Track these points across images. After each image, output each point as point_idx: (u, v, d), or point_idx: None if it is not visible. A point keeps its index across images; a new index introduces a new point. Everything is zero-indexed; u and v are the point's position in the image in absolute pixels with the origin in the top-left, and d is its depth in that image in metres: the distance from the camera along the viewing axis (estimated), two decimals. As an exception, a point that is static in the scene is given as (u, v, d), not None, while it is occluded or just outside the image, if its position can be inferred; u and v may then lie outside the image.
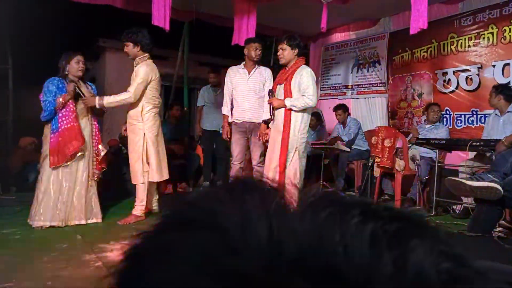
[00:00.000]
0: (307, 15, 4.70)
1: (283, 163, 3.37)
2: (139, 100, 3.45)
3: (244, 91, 3.94)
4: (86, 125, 3.40)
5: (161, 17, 3.95)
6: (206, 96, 5.40)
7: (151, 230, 0.26)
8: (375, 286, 0.21)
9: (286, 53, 3.41)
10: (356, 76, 6.28)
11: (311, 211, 0.24)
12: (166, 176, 3.63)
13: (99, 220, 3.42)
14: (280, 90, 3.54)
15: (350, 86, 6.38)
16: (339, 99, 6.34)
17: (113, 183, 3.90)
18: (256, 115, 3.94)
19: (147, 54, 3.52)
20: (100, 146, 3.48)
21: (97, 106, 3.37)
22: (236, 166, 4.02)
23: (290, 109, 3.39)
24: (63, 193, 3.25)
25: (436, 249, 0.23)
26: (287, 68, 3.49)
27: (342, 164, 5.28)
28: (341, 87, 6.53)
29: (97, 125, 3.51)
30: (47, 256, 2.50)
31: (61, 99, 3.20)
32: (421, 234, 0.24)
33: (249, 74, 3.98)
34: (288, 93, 3.43)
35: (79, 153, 3.30)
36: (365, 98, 6.14)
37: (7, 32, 5.28)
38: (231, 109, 4.08)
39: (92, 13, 5.80)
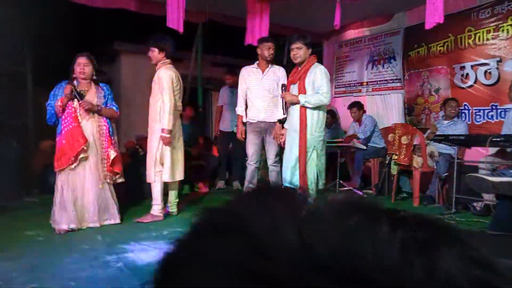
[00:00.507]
0: (320, 13, 4.67)
1: (304, 163, 3.35)
2: (157, 101, 3.50)
3: (258, 90, 3.95)
4: (92, 126, 3.32)
5: (175, 19, 3.99)
6: (225, 96, 5.45)
7: (186, 237, 0.27)
8: None
9: (302, 52, 3.42)
10: (371, 73, 6.21)
11: (340, 218, 0.25)
12: (178, 177, 3.66)
13: (117, 221, 3.42)
14: (293, 90, 3.53)
15: (365, 83, 6.32)
16: (354, 96, 6.28)
17: (131, 185, 3.94)
18: (270, 114, 3.94)
19: (169, 60, 3.65)
20: (110, 148, 3.39)
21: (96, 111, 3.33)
22: (251, 166, 4.01)
23: (305, 107, 3.38)
24: (76, 196, 3.24)
25: (466, 255, 0.23)
26: (299, 67, 3.49)
27: (359, 162, 5.24)
28: (355, 84, 6.47)
29: (107, 126, 3.42)
30: (69, 257, 2.56)
31: (58, 102, 3.22)
32: (450, 241, 0.24)
33: (262, 74, 3.99)
34: (302, 92, 3.44)
35: (82, 155, 3.23)
36: (381, 94, 6.06)
37: (26, 37, 5.40)
38: (245, 109, 4.09)
39: (108, 16, 5.89)
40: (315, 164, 3.39)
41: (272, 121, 3.93)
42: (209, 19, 5.58)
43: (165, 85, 3.45)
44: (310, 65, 3.43)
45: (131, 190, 4.10)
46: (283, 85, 3.65)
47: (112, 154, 3.39)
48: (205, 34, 6.08)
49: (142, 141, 5.52)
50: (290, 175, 3.43)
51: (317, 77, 3.37)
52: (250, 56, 4.63)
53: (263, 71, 3.98)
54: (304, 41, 3.42)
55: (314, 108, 3.39)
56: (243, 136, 4.08)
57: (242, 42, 4.69)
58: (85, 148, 3.24)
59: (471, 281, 0.22)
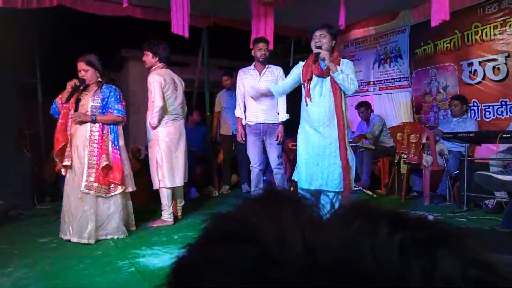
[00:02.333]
0: (325, 13, 4.67)
1: (345, 156, 2.92)
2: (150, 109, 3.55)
3: (256, 92, 3.81)
4: (82, 132, 3.13)
5: (180, 25, 4.02)
6: (222, 100, 5.47)
7: (198, 243, 0.28)
8: None
9: (326, 40, 2.93)
10: (378, 72, 6.18)
11: (342, 223, 0.25)
12: (179, 183, 3.63)
13: (120, 236, 3.18)
14: (323, 83, 2.99)
15: (372, 83, 6.29)
16: (361, 96, 6.26)
17: (143, 190, 3.98)
18: (269, 116, 3.90)
19: (162, 64, 3.61)
20: (103, 156, 3.11)
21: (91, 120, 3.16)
22: (255, 169, 3.96)
23: (340, 99, 2.93)
24: (69, 206, 3.14)
25: (464, 257, 0.23)
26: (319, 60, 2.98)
27: (368, 162, 5.22)
28: (362, 84, 6.44)
29: (100, 132, 3.15)
30: (82, 263, 2.59)
31: (59, 96, 3.22)
32: (449, 243, 0.24)
33: (260, 75, 3.96)
34: (334, 87, 2.95)
35: (66, 162, 3.14)
36: (388, 93, 6.03)
37: (35, 47, 5.49)
38: (244, 111, 4.08)
39: (115, 24, 5.96)
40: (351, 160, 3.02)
41: (272, 123, 3.89)
42: (214, 24, 5.62)
43: (152, 89, 3.49)
44: (340, 57, 3.05)
45: (142, 196, 4.13)
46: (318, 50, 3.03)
47: (104, 162, 3.09)
48: (211, 39, 6.11)
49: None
50: (321, 176, 2.95)
51: (347, 70, 2.94)
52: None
53: (260, 72, 3.96)
54: (329, 30, 2.97)
55: (343, 102, 2.97)
56: (244, 139, 4.07)
57: (248, 45, 4.71)
58: (64, 147, 3.14)
59: (469, 283, 0.22)
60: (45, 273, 2.44)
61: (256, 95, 3.56)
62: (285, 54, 7.27)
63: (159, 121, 3.54)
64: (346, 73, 2.89)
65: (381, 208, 0.28)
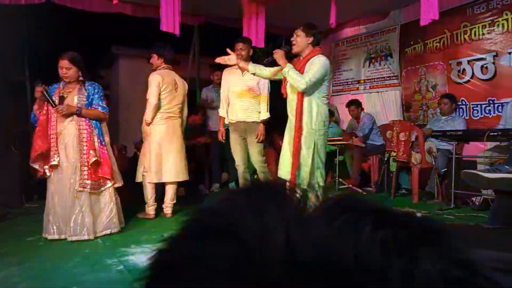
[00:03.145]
0: (316, 12, 4.69)
1: (296, 158, 3.13)
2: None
3: (238, 90, 3.91)
4: (70, 130, 3.11)
5: (170, 22, 4.01)
6: (209, 96, 5.42)
7: (178, 237, 0.27)
8: None
9: (299, 39, 3.12)
10: (368, 70, 6.23)
11: (326, 219, 0.25)
12: (166, 179, 3.75)
13: (112, 231, 3.20)
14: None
15: (362, 81, 6.33)
16: (351, 94, 6.30)
17: (132, 188, 3.95)
18: (249, 114, 3.90)
19: (166, 65, 3.79)
20: (91, 152, 3.09)
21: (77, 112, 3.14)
22: (240, 167, 3.99)
23: (301, 99, 3.10)
24: (54, 205, 3.10)
25: (446, 256, 0.23)
26: (301, 58, 3.20)
27: (358, 159, 5.25)
28: (353, 82, 6.49)
29: (89, 129, 3.14)
30: (70, 262, 2.58)
31: (35, 106, 3.19)
32: (432, 241, 0.24)
33: (242, 74, 3.91)
34: None
35: (53, 162, 3.09)
36: (378, 92, 6.08)
37: (24, 44, 5.43)
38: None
39: (105, 21, 5.91)
40: (319, 162, 3.16)
41: (251, 121, 3.89)
42: (205, 21, 5.60)
43: (149, 88, 3.67)
44: (312, 55, 3.11)
45: (131, 194, 4.11)
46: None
47: (92, 158, 3.08)
48: (202, 36, 6.10)
49: (140, 145, 5.54)
50: (285, 170, 3.21)
51: (312, 65, 3.07)
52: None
53: (242, 72, 3.89)
54: (304, 29, 3.11)
55: (310, 99, 3.12)
56: (224, 138, 4.13)
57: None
58: (44, 152, 3.11)
59: (449, 282, 0.22)
60: (33, 272, 2.42)
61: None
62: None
63: (153, 118, 3.68)
64: (306, 70, 3.06)
65: (367, 204, 0.27)
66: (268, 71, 3.36)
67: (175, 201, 3.84)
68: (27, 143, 5.34)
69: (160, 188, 3.87)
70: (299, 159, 3.12)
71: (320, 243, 0.23)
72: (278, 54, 3.13)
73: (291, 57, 3.33)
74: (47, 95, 3.08)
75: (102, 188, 3.20)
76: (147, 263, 0.27)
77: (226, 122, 4.09)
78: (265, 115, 3.89)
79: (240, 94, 3.90)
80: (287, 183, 0.30)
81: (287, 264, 0.22)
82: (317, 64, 3.05)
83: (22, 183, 4.71)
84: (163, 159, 3.70)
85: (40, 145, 3.12)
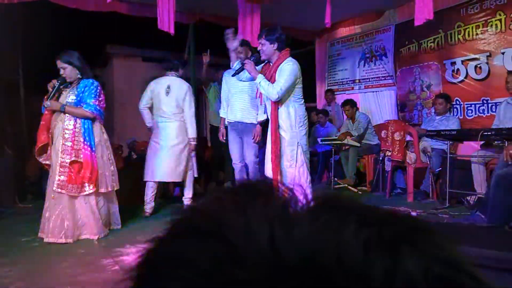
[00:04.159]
0: (311, 11, 4.70)
1: (274, 161, 3.20)
2: None
3: (237, 92, 4.00)
4: (58, 129, 3.08)
5: (165, 21, 3.99)
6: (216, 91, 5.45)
7: (161, 238, 0.27)
8: None
9: (265, 48, 3.17)
10: (363, 70, 6.25)
11: (310, 218, 0.25)
12: (159, 178, 3.89)
13: (92, 237, 3.07)
14: None
15: (357, 81, 6.36)
16: (347, 94, 6.32)
17: (127, 189, 3.93)
18: (247, 115, 3.98)
19: (168, 72, 4.06)
20: (72, 152, 3.01)
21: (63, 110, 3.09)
22: (237, 166, 4.07)
23: (275, 104, 3.20)
24: (48, 205, 3.06)
25: (429, 254, 0.23)
26: (271, 64, 3.26)
27: (353, 159, 5.27)
28: (348, 82, 6.50)
29: (74, 129, 3.06)
30: (65, 262, 2.56)
31: (45, 97, 3.16)
32: (416, 240, 0.24)
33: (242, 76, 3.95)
34: None
35: (48, 161, 3.09)
36: (373, 92, 6.10)
37: (18, 42, 5.39)
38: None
39: (99, 20, 5.88)
40: (303, 161, 3.22)
41: (249, 122, 3.97)
42: (200, 20, 5.59)
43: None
44: (281, 61, 3.15)
45: (129, 194, 4.09)
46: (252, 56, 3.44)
47: (72, 158, 2.99)
48: (197, 35, 6.08)
49: (134, 145, 5.53)
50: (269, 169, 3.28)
51: (282, 73, 3.13)
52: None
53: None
54: (266, 36, 3.15)
55: (286, 104, 3.19)
56: (224, 138, 4.19)
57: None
58: (44, 146, 3.09)
59: (432, 281, 0.22)
60: (27, 272, 2.40)
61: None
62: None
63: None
64: (276, 78, 3.14)
65: (351, 202, 0.27)
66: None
67: (153, 204, 3.89)
68: (21, 143, 5.31)
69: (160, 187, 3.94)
70: (282, 160, 3.20)
71: (303, 242, 0.23)
72: (248, 66, 3.25)
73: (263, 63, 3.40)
74: (53, 90, 3.08)
75: (85, 192, 3.06)
76: (133, 263, 0.27)
77: (226, 122, 4.16)
78: (262, 116, 3.95)
79: (240, 95, 3.99)
80: (274, 183, 0.30)
81: (270, 263, 0.22)
82: (286, 72, 3.10)
83: (16, 183, 4.68)
84: (157, 159, 3.84)
85: (43, 139, 3.12)
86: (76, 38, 5.99)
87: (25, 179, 5.04)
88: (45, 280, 2.28)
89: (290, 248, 0.23)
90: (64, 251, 2.81)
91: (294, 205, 0.27)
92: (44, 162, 3.18)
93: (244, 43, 4.08)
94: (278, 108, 3.21)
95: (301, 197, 0.28)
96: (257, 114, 3.97)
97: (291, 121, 3.19)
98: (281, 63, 3.15)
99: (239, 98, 3.99)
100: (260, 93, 3.38)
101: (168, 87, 3.91)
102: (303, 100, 3.30)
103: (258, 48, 3.27)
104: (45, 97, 3.16)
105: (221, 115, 4.24)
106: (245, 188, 0.29)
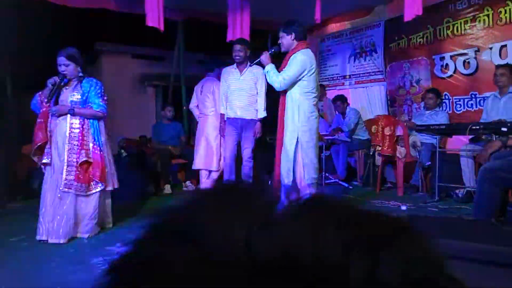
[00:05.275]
0: (301, 7, 4.69)
1: (278, 155, 3.24)
2: None
3: (236, 89, 4.08)
4: (61, 128, 3.01)
5: (155, 17, 3.96)
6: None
7: (139, 239, 0.27)
8: None
9: (284, 40, 3.26)
10: (354, 66, 6.27)
11: (290, 219, 0.24)
12: (197, 166, 4.54)
13: (86, 235, 3.04)
14: None
15: (348, 76, 6.38)
16: (337, 89, 6.34)
17: (117, 188, 3.90)
18: (247, 112, 4.07)
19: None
20: (82, 152, 2.98)
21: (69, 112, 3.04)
22: (228, 159, 4.12)
23: (284, 96, 3.22)
24: (46, 205, 2.99)
25: (409, 257, 0.23)
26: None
27: (344, 154, 5.29)
28: (339, 78, 6.52)
29: (81, 128, 3.03)
30: (54, 262, 2.54)
31: (39, 93, 3.10)
32: (396, 242, 0.23)
33: (240, 73, 4.10)
34: None
35: (45, 160, 3.03)
36: (364, 87, 6.13)
37: (5, 39, 5.30)
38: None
39: (88, 17, 5.81)
40: (301, 157, 3.17)
41: (249, 118, 4.06)
42: (190, 17, 5.55)
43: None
44: (293, 52, 3.19)
45: (116, 193, 4.06)
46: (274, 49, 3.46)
47: (82, 158, 2.98)
48: (187, 32, 6.04)
49: (125, 143, 5.48)
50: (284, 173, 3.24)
51: (290, 63, 3.16)
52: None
53: (241, 71, 4.10)
54: (284, 29, 3.24)
55: (293, 96, 3.18)
56: (224, 134, 4.25)
57: (224, 39, 4.69)
58: (42, 146, 3.03)
59: (411, 283, 0.21)
60: (17, 272, 2.38)
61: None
62: (263, 47, 7.26)
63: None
64: (275, 72, 3.22)
65: (333, 203, 0.27)
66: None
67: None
68: (9, 141, 5.24)
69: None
70: (283, 156, 3.21)
71: (281, 244, 0.22)
72: (263, 56, 3.33)
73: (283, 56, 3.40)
74: (54, 88, 2.99)
75: (92, 191, 3.06)
76: (108, 266, 0.26)
77: (225, 118, 4.23)
78: (262, 113, 4.05)
79: (239, 92, 4.07)
80: (258, 183, 0.29)
81: (245, 266, 0.22)
82: (293, 62, 3.13)
83: (5, 182, 4.61)
84: (198, 149, 4.54)
85: (41, 138, 3.05)
86: (65, 35, 5.91)
87: (14, 178, 4.97)
88: (34, 280, 2.26)
89: (267, 250, 0.22)
90: (54, 251, 2.78)
91: (275, 206, 0.26)
92: (40, 162, 3.10)
93: (243, 42, 4.17)
94: (286, 98, 3.22)
95: (285, 198, 0.28)
96: (257, 110, 4.06)
97: (294, 114, 3.15)
98: (293, 53, 3.17)
99: (238, 95, 4.06)
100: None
101: (212, 88, 4.52)
102: (313, 94, 3.21)
103: (279, 41, 3.33)
104: (40, 93, 3.10)
105: (221, 112, 4.30)
106: (224, 191, 0.29)
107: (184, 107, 5.86)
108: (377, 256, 0.22)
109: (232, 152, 4.13)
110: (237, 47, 4.09)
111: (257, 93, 4.09)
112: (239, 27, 4.57)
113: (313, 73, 3.17)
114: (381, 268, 0.21)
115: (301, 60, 3.11)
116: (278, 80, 3.15)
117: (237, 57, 4.07)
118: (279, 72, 3.23)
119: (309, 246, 0.22)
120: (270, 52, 3.38)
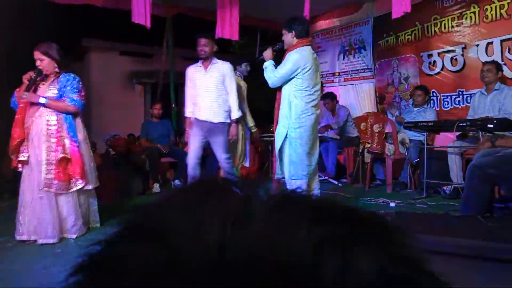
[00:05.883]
0: (290, 4, 4.68)
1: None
2: None
3: (202, 88, 3.70)
4: (38, 125, 2.94)
5: (141, 14, 3.91)
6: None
7: (107, 240, 0.26)
8: None
9: (285, 38, 3.24)
10: (343, 63, 6.29)
11: (264, 216, 0.24)
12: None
13: (73, 236, 2.99)
14: None
15: (337, 74, 6.40)
16: (327, 87, 6.35)
17: (104, 186, 3.86)
18: (213, 114, 3.68)
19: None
20: (59, 149, 2.91)
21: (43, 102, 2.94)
22: (191, 161, 3.75)
23: (280, 89, 3.24)
24: (24, 204, 2.93)
25: (385, 254, 0.22)
26: None
27: (333, 151, 5.31)
28: (328, 75, 6.54)
29: (58, 124, 2.96)
30: (41, 263, 2.49)
31: (17, 90, 3.02)
32: (372, 239, 0.23)
33: (205, 71, 3.71)
34: None
35: (21, 158, 2.95)
36: (353, 84, 6.16)
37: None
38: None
39: (75, 13, 5.72)
40: (289, 154, 3.18)
41: (217, 122, 3.69)
42: (178, 13, 5.51)
43: None
44: (291, 50, 3.17)
45: (108, 191, 4.02)
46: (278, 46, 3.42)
47: (59, 154, 2.89)
48: (175, 28, 5.99)
49: (113, 141, 5.41)
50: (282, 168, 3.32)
51: (284, 61, 3.16)
52: (223, 49, 4.59)
53: (206, 68, 3.72)
54: (285, 27, 3.22)
55: (287, 93, 3.17)
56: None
57: (213, 35, 4.64)
58: (20, 143, 2.95)
59: (387, 282, 0.21)
60: (2, 274, 2.33)
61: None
62: (251, 44, 7.25)
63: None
64: (273, 68, 3.24)
65: (307, 199, 0.26)
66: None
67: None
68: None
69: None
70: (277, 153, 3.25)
71: (253, 242, 0.22)
72: (265, 52, 3.35)
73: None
74: (29, 83, 2.93)
75: (73, 189, 3.00)
76: (76, 266, 0.26)
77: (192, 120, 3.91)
78: (236, 114, 3.76)
79: (205, 92, 3.69)
80: (235, 180, 0.29)
81: (215, 264, 0.21)
82: (286, 60, 3.15)
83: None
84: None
85: (19, 134, 2.96)
86: (51, 31, 5.82)
87: (0, 177, 4.89)
88: (20, 282, 2.22)
89: (238, 248, 0.22)
90: (40, 251, 2.74)
91: (250, 203, 0.26)
92: (18, 160, 3.03)
93: (208, 36, 3.82)
94: (281, 95, 3.26)
95: (262, 195, 0.27)
96: (227, 111, 3.74)
97: (286, 111, 3.17)
98: (290, 51, 3.17)
99: (206, 96, 3.69)
100: None
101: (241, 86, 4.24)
102: (307, 93, 3.16)
103: (282, 38, 3.31)
104: (18, 89, 3.05)
105: (186, 115, 3.92)
106: (198, 188, 0.28)
107: (173, 105, 5.81)
108: (352, 253, 0.21)
109: (196, 157, 3.73)
110: (202, 41, 3.67)
111: (226, 92, 3.72)
112: (228, 23, 4.55)
113: (308, 71, 3.12)
114: (355, 266, 0.21)
115: (294, 58, 3.11)
116: (271, 76, 3.19)
117: (202, 52, 3.65)
118: None
119: (282, 245, 0.22)
120: (274, 48, 3.37)
